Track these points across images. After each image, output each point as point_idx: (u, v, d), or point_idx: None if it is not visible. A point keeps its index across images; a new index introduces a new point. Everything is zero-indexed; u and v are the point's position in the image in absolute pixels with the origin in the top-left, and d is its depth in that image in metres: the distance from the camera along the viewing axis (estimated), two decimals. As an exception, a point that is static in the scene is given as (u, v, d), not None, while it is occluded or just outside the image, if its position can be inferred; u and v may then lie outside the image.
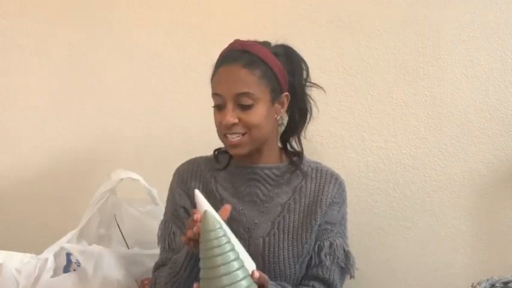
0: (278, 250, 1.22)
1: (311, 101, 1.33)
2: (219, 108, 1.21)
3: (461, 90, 1.75)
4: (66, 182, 1.86)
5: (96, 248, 1.46)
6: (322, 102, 1.78)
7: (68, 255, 1.46)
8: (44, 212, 1.87)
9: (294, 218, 1.25)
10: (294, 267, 1.23)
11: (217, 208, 1.19)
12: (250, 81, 1.18)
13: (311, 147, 1.79)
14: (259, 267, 1.16)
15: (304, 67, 1.31)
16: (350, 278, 1.29)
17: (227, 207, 1.09)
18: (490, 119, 1.74)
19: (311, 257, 1.25)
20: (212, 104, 1.25)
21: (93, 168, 1.85)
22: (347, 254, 1.27)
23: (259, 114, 1.19)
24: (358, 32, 1.76)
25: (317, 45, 1.77)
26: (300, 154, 1.31)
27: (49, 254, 1.45)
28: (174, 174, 1.34)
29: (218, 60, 1.24)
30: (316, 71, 1.77)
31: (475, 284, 1.31)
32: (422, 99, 1.76)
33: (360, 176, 1.79)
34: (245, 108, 1.18)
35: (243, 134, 1.20)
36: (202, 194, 1.23)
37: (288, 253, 1.22)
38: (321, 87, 1.33)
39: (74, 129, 1.85)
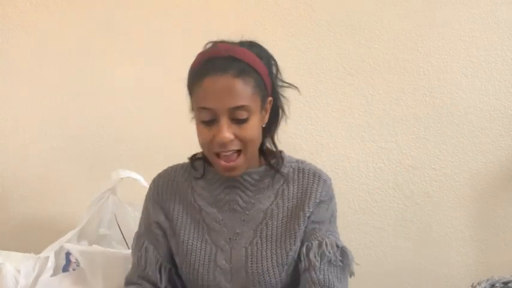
0: (261, 260, 1.13)
1: (283, 100, 1.20)
2: (207, 123, 1.09)
3: (461, 90, 1.75)
4: (66, 182, 1.86)
5: (95, 248, 1.46)
6: (322, 102, 1.79)
7: (67, 254, 1.46)
8: (44, 212, 1.87)
9: (278, 224, 1.15)
10: (280, 276, 1.13)
11: (196, 219, 1.17)
12: (245, 93, 1.06)
13: (311, 147, 1.80)
14: (242, 279, 1.12)
15: (274, 64, 1.18)
16: (350, 276, 1.19)
17: None
18: (490, 119, 1.74)
19: (301, 261, 1.13)
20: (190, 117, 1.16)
21: (93, 168, 1.85)
22: (342, 250, 1.14)
23: (253, 127, 1.09)
24: (358, 32, 1.76)
25: (317, 45, 1.77)
26: (277, 155, 1.20)
27: (49, 253, 1.45)
28: (150, 186, 1.25)
29: (198, 70, 1.11)
30: (316, 71, 1.78)
31: (475, 284, 1.31)
32: (422, 99, 1.76)
33: (360, 176, 1.79)
34: (240, 122, 1.07)
35: (238, 153, 1.09)
36: (180, 206, 1.18)
37: (272, 262, 1.13)
38: (295, 87, 1.19)
39: (74, 129, 1.85)
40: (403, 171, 1.78)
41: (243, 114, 1.07)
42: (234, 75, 1.06)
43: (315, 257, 1.11)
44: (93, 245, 1.49)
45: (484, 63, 1.73)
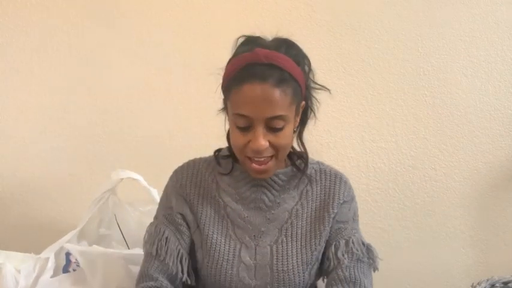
0: (287, 258, 1.16)
1: (314, 101, 1.22)
2: (243, 129, 1.09)
3: (461, 90, 1.75)
4: (66, 182, 1.86)
5: (95, 248, 1.46)
6: (322, 102, 1.79)
7: (67, 255, 1.46)
8: (44, 212, 1.87)
9: (302, 224, 1.18)
10: (303, 275, 1.16)
11: (220, 214, 1.17)
12: (284, 103, 1.06)
13: (311, 147, 1.80)
14: (267, 276, 1.14)
15: (307, 64, 1.18)
16: (374, 271, 1.21)
17: None
18: (490, 119, 1.75)
19: (330, 260, 1.16)
20: (217, 108, 1.17)
21: (93, 168, 1.85)
22: (368, 247, 1.18)
23: (288, 135, 1.10)
24: (358, 32, 1.76)
25: (317, 45, 1.77)
26: (303, 157, 1.22)
27: (50, 253, 1.45)
28: (171, 178, 1.25)
29: (238, 74, 1.09)
30: (316, 71, 1.77)
31: (475, 284, 1.31)
32: (422, 99, 1.76)
33: (360, 176, 1.79)
34: (276, 130, 1.08)
35: (270, 158, 1.10)
36: (204, 200, 1.18)
37: (297, 261, 1.16)
38: (328, 89, 1.21)
39: (74, 129, 1.85)
40: (403, 171, 1.78)
41: (279, 124, 1.07)
42: (273, 85, 1.06)
43: (343, 255, 1.15)
44: (93, 245, 1.49)
45: (484, 63, 1.73)
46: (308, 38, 1.77)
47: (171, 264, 1.16)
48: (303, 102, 1.17)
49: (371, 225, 1.79)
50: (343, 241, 1.17)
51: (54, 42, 1.84)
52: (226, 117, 1.18)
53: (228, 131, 1.20)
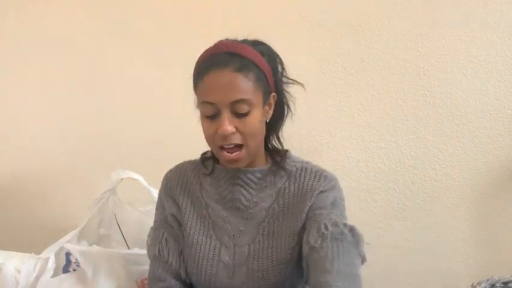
0: (262, 258, 1.15)
1: (289, 97, 1.22)
2: (210, 118, 1.11)
3: (461, 90, 1.75)
4: (66, 182, 1.86)
5: (95, 248, 1.46)
6: (322, 103, 1.79)
7: (68, 255, 1.46)
8: (44, 212, 1.87)
9: (279, 222, 1.17)
10: (280, 275, 1.14)
11: (202, 214, 1.20)
12: (246, 87, 1.09)
13: (311, 147, 1.80)
14: (243, 275, 1.14)
15: (278, 61, 1.20)
16: (362, 263, 1.11)
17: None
18: (490, 119, 1.74)
19: (303, 249, 1.09)
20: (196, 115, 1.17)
21: (93, 168, 1.85)
22: (351, 228, 1.08)
23: (254, 121, 1.10)
24: (358, 32, 1.76)
25: (317, 45, 1.77)
26: (281, 152, 1.21)
27: (50, 253, 1.45)
28: (162, 181, 1.28)
29: (201, 65, 1.15)
30: (316, 71, 1.78)
31: (475, 284, 1.31)
32: (422, 99, 1.76)
33: (360, 176, 1.79)
34: (241, 116, 1.09)
35: (240, 147, 1.11)
36: (188, 200, 1.22)
37: (272, 260, 1.14)
38: (300, 83, 1.21)
39: (74, 129, 1.85)
40: (403, 171, 1.78)
41: (243, 108, 1.09)
42: (233, 70, 1.09)
43: (315, 240, 1.07)
44: (93, 245, 1.49)
45: (484, 63, 1.73)
46: (308, 38, 1.77)
47: (174, 263, 1.19)
48: (273, 94, 1.17)
49: (371, 225, 1.79)
50: (316, 225, 1.08)
51: (54, 43, 1.84)
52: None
53: None
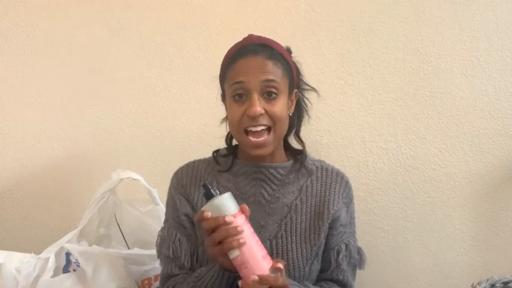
0: (287, 253, 1.17)
1: (308, 102, 1.30)
2: (240, 97, 1.13)
3: (461, 90, 1.75)
4: (66, 182, 1.86)
5: (95, 248, 1.46)
6: (322, 103, 1.79)
7: (67, 255, 1.46)
8: (44, 212, 1.87)
9: (302, 218, 1.20)
10: (303, 270, 1.18)
11: None
12: (276, 73, 1.13)
13: (311, 147, 1.80)
14: None
15: (299, 67, 1.28)
16: (359, 269, 1.29)
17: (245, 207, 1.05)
18: (490, 119, 1.74)
19: (330, 263, 1.22)
20: (217, 109, 1.22)
21: (93, 168, 1.85)
22: (359, 251, 1.25)
23: (282, 106, 1.14)
24: (358, 32, 1.76)
25: (317, 45, 1.77)
26: (302, 151, 1.27)
27: (50, 254, 1.45)
28: (172, 179, 1.28)
29: (233, 54, 1.18)
30: (316, 71, 1.78)
31: (475, 284, 1.31)
32: (422, 99, 1.76)
33: (360, 176, 1.79)
34: (271, 98, 1.13)
35: (268, 130, 1.14)
36: (203, 198, 1.18)
37: (297, 255, 1.17)
38: (316, 90, 1.30)
39: (74, 129, 1.85)
40: (403, 171, 1.78)
41: (273, 89, 1.13)
42: (265, 57, 1.14)
43: (343, 260, 1.21)
44: (93, 245, 1.49)
45: (484, 63, 1.73)
46: (308, 38, 1.77)
47: (186, 264, 1.20)
48: (296, 91, 1.23)
49: (371, 225, 1.79)
50: (344, 245, 1.21)
51: (54, 42, 1.84)
52: (225, 109, 1.22)
53: (228, 133, 1.25)
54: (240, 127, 1.14)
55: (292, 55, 1.26)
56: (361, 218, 1.78)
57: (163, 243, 1.23)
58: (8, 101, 1.87)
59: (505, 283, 1.32)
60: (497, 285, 1.32)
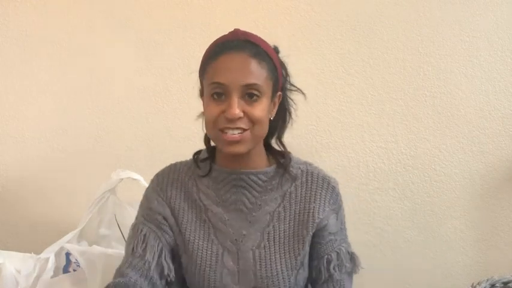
0: (270, 264, 1.12)
1: (293, 104, 1.20)
2: (218, 96, 1.06)
3: (461, 90, 1.75)
4: (66, 182, 1.86)
5: (95, 248, 1.46)
6: (322, 102, 1.79)
7: (67, 255, 1.46)
8: (44, 212, 1.87)
9: (285, 227, 1.14)
10: (289, 281, 1.12)
11: (201, 218, 1.14)
12: (260, 74, 1.06)
13: (311, 147, 1.80)
14: (251, 282, 1.11)
15: (285, 68, 1.19)
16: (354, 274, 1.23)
17: None
18: (490, 119, 1.74)
19: (321, 273, 1.15)
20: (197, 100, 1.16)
21: (93, 168, 1.85)
22: (352, 256, 1.18)
23: (263, 109, 1.07)
24: (358, 32, 1.76)
25: (317, 45, 1.77)
26: (285, 155, 1.17)
27: (50, 254, 1.45)
28: (153, 181, 1.20)
29: (216, 47, 1.11)
30: (316, 71, 1.78)
31: (475, 284, 1.31)
32: (422, 99, 1.76)
33: (360, 176, 1.79)
34: (252, 100, 1.05)
35: (245, 130, 1.06)
36: (185, 204, 1.15)
37: (281, 266, 1.12)
38: (303, 93, 1.19)
39: (74, 129, 1.85)
40: (403, 171, 1.78)
41: (255, 92, 1.05)
42: (249, 55, 1.06)
43: (334, 269, 1.14)
44: (93, 245, 1.49)
45: (484, 63, 1.73)
46: (308, 38, 1.77)
47: (150, 260, 1.11)
48: (280, 93, 1.15)
49: (371, 225, 1.79)
50: (335, 254, 1.15)
51: (54, 42, 1.84)
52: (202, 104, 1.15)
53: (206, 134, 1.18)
54: (215, 127, 1.08)
55: (280, 55, 1.18)
56: (361, 218, 1.79)
57: (128, 241, 1.17)
58: (8, 101, 1.87)
59: (505, 283, 1.32)
60: (497, 285, 1.32)
